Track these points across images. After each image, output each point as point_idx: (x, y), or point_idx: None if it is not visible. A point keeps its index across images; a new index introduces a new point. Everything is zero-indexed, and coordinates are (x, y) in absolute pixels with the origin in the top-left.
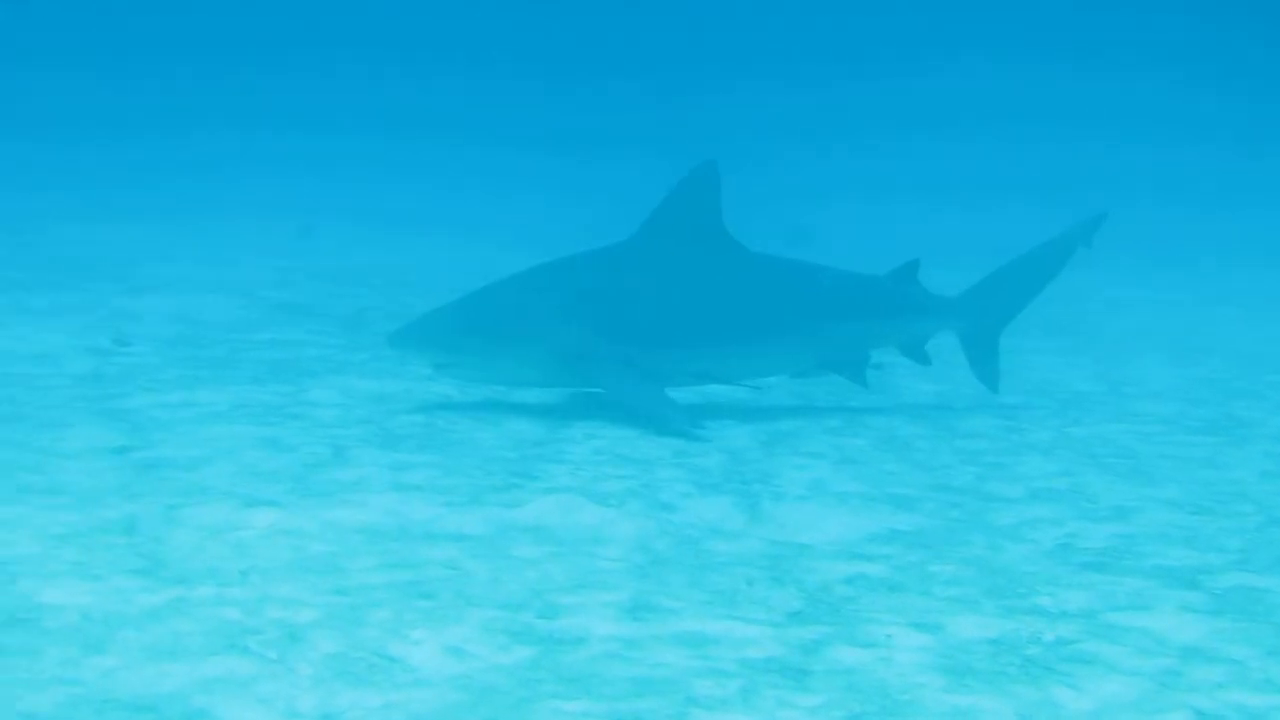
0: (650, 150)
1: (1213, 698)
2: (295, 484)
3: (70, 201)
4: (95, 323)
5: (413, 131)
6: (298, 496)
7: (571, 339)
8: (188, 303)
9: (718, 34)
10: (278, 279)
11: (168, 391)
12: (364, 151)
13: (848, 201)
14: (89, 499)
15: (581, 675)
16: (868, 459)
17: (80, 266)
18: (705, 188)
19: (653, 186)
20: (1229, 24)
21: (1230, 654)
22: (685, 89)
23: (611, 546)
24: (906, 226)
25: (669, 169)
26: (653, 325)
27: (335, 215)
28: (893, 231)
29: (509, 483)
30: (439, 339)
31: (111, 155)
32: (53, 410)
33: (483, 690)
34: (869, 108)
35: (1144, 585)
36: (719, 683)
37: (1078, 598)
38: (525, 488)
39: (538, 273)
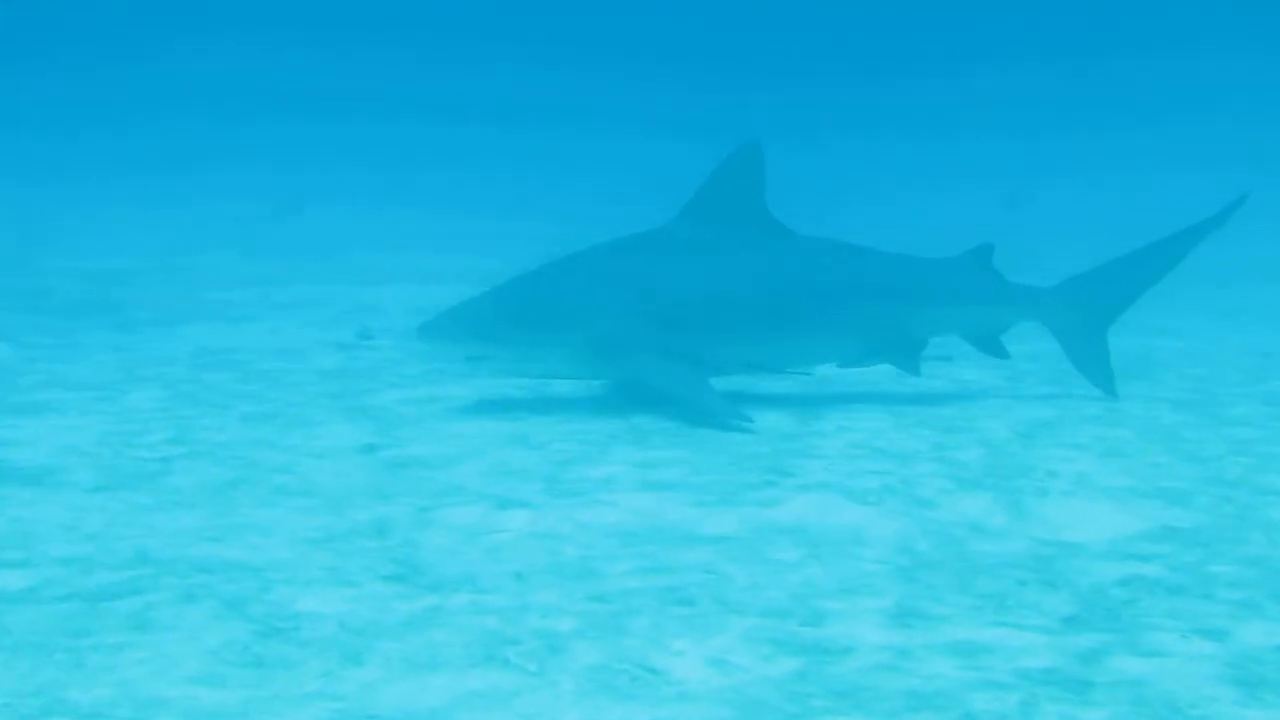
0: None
1: None
2: (546, 483)
3: (325, 184)
4: (339, 315)
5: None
6: (550, 496)
7: (613, 329)
8: (424, 293)
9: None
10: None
11: (414, 387)
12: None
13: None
14: (340, 501)
15: (852, 688)
16: (1134, 450)
17: (325, 253)
18: (749, 169)
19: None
20: None
21: None
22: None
23: (873, 548)
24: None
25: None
26: (697, 313)
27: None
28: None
29: (763, 480)
30: (473, 330)
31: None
32: (301, 407)
33: (751, 705)
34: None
35: None
36: (996, 696)
37: None
38: (780, 485)
39: (577, 259)
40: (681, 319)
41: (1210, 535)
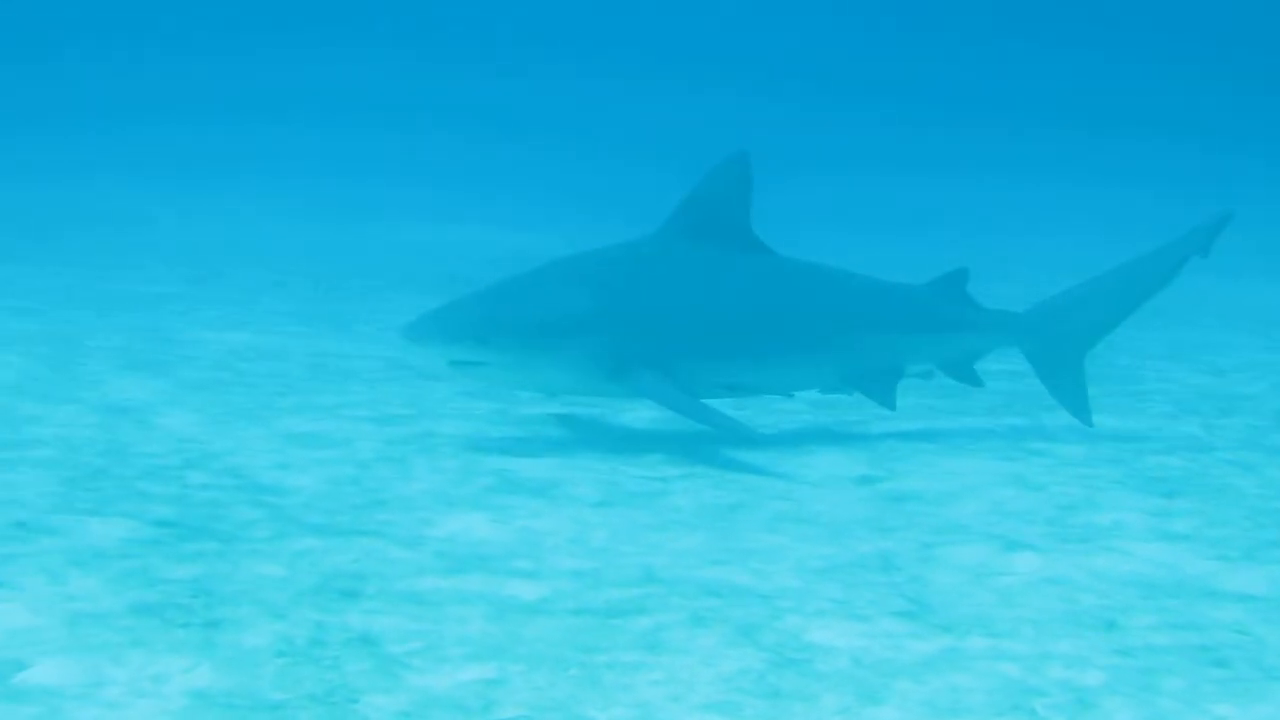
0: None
1: None
2: (1050, 526)
3: None
4: None
5: None
6: (1056, 541)
7: (610, 342)
8: None
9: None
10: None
11: (905, 421)
12: None
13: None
14: (841, 531)
15: None
16: None
17: None
18: (734, 183)
19: None
20: None
21: None
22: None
23: None
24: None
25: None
26: (680, 331)
27: None
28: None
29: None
30: (463, 333)
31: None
32: (794, 435)
33: None
34: None
35: None
36: None
37: None
38: None
39: (564, 266)
40: (667, 337)
41: None
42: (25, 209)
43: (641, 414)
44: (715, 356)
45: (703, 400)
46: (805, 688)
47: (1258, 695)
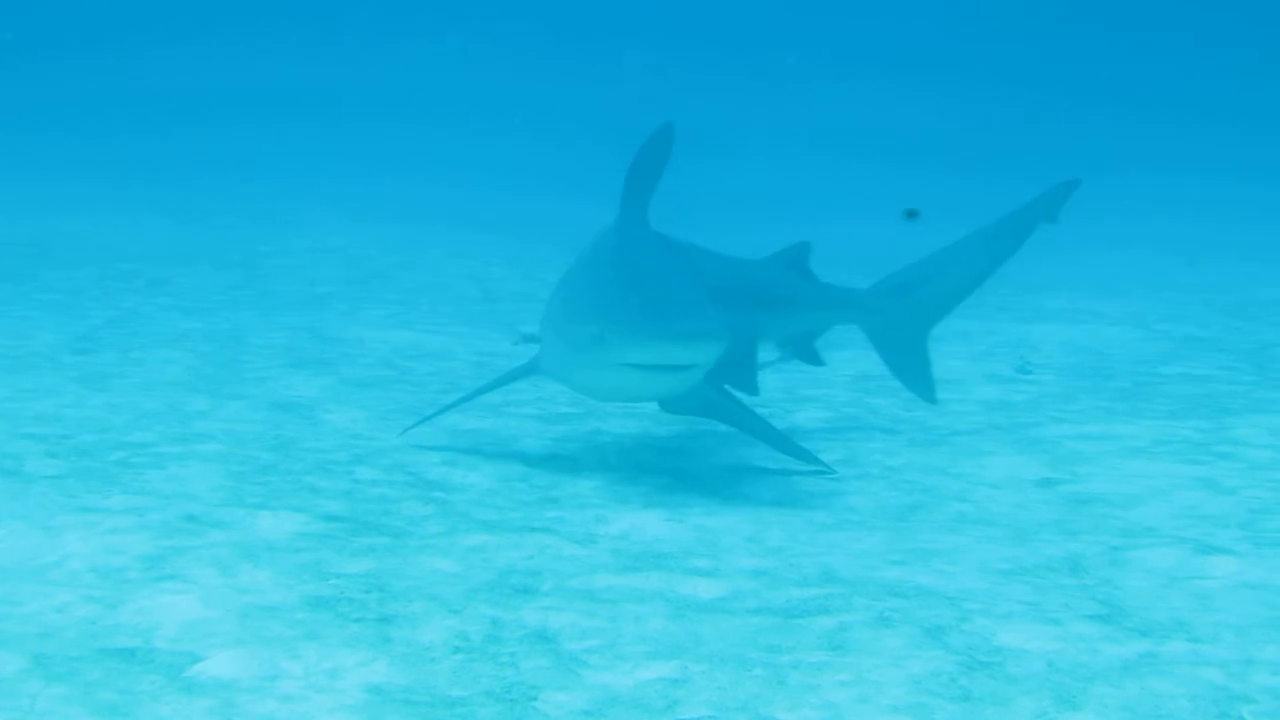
0: None
1: None
2: (1244, 530)
3: None
4: (994, 348)
5: None
6: (1251, 545)
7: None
8: (1082, 332)
9: None
10: (1171, 311)
11: (1083, 423)
12: None
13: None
14: (1025, 533)
15: None
16: None
17: None
18: (654, 159)
19: None
20: None
21: None
22: None
23: None
24: None
25: None
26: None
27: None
28: None
29: None
30: (697, 335)
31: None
32: (968, 436)
33: None
34: None
35: None
36: None
37: None
38: None
39: (667, 260)
40: None
41: None
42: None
43: (812, 413)
44: None
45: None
46: (998, 691)
47: None
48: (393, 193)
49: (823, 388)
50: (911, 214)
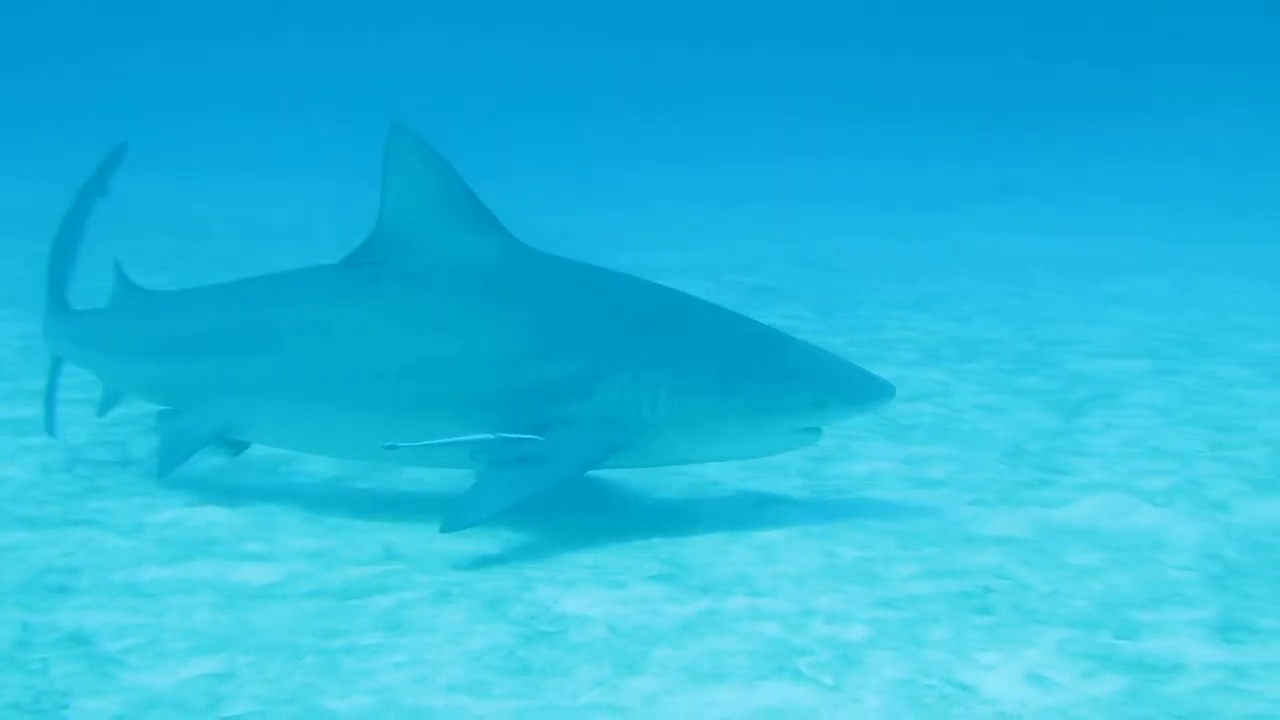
0: None
1: None
2: (805, 479)
3: None
4: None
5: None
6: (813, 493)
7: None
8: None
9: None
10: (742, 263)
11: None
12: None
13: None
14: (603, 500)
15: (1193, 713)
16: None
17: None
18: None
19: None
20: None
21: None
22: None
23: (1177, 553)
24: None
25: None
26: None
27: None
28: None
29: (1040, 479)
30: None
31: None
32: None
33: None
34: None
35: None
36: None
37: None
38: (1059, 484)
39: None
40: None
41: None
42: None
43: None
44: None
45: None
46: (559, 661)
47: (1023, 640)
48: None
49: None
50: None
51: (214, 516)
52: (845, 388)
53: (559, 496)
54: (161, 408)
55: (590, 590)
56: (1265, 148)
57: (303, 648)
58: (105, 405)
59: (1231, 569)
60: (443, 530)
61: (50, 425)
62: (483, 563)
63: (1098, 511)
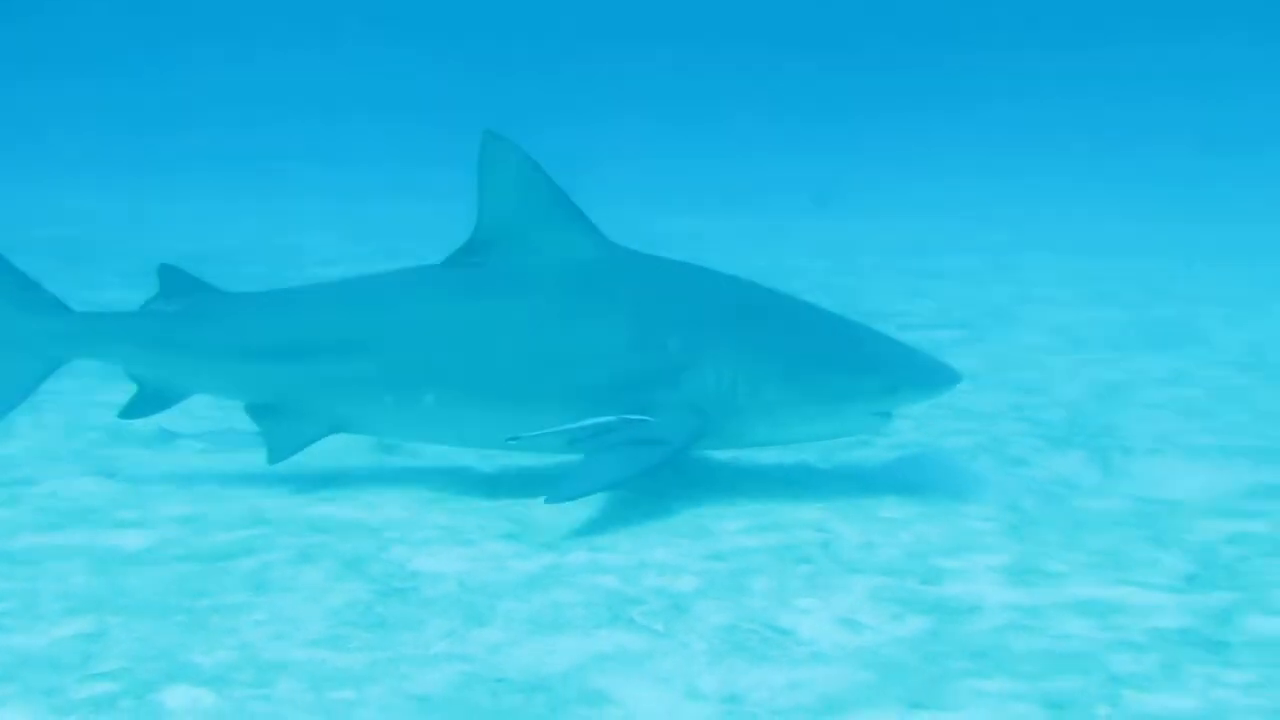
0: None
1: None
2: None
3: None
4: None
5: None
6: None
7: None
8: None
9: None
10: None
11: None
12: None
13: None
14: (450, 458)
15: (988, 648)
16: (1211, 410)
17: None
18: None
19: None
20: None
21: None
22: None
23: (980, 505)
24: None
25: None
26: None
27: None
28: None
29: (858, 440)
30: None
31: None
32: None
33: (889, 667)
34: None
35: None
36: (1136, 657)
37: None
38: (876, 444)
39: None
40: None
41: None
42: None
43: None
44: None
45: None
46: (412, 615)
47: (838, 587)
48: None
49: None
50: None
51: (90, 487)
52: (915, 375)
53: (401, 469)
54: (255, 404)
55: (444, 549)
56: (1065, 134)
57: (171, 607)
58: (143, 407)
59: (1028, 518)
60: (547, 501)
61: None
62: (344, 526)
63: (910, 468)
